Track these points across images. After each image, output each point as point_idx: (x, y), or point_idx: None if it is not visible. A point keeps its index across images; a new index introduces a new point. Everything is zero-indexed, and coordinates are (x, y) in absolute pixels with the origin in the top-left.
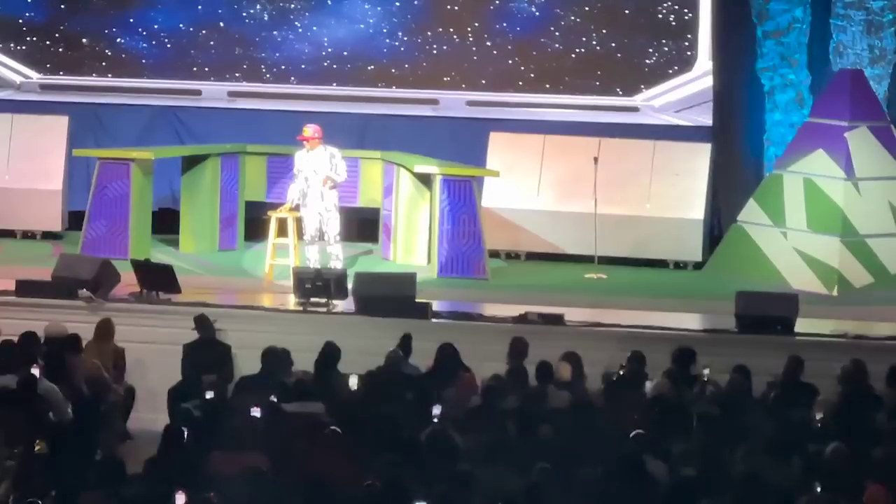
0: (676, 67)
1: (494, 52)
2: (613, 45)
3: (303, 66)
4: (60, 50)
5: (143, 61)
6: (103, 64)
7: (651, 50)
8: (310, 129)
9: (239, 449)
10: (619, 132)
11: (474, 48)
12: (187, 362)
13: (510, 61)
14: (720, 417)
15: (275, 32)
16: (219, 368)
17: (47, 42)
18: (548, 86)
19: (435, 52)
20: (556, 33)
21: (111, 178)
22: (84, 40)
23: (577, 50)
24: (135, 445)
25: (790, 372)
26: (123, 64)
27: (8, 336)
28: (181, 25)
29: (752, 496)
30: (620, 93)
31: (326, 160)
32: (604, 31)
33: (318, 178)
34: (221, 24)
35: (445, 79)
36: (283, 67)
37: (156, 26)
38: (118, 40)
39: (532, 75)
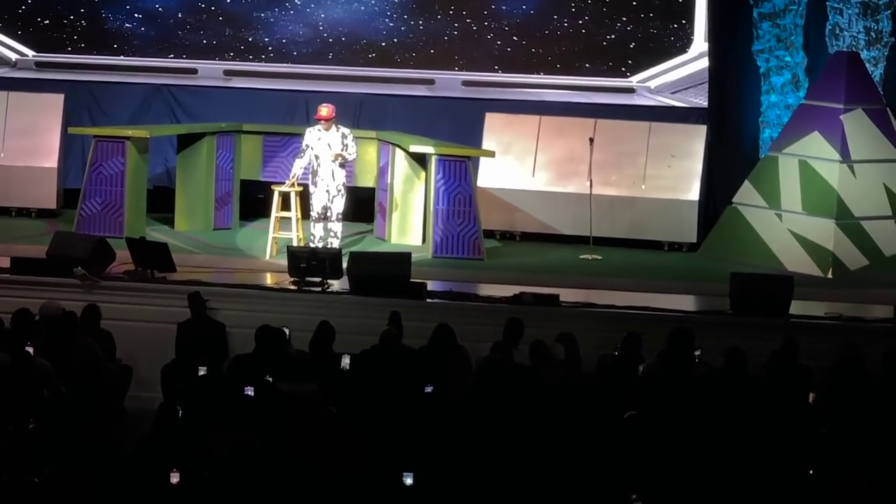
0: (673, 49)
1: (492, 33)
2: (610, 26)
3: (299, 46)
4: (56, 28)
5: (135, 42)
6: (97, 42)
7: (647, 31)
8: (326, 109)
9: (233, 428)
10: (615, 113)
11: (472, 29)
12: (181, 341)
13: (507, 42)
14: (713, 399)
15: (270, 12)
16: (212, 347)
17: (42, 20)
18: (544, 66)
19: (432, 32)
20: (554, 14)
21: (106, 156)
22: (77, 19)
23: (574, 31)
24: (130, 424)
25: (784, 354)
26: (115, 43)
27: (2, 313)
28: (174, 5)
29: (745, 478)
30: (616, 74)
31: (339, 139)
32: (601, 12)
33: (329, 156)
34: (215, 4)
35: (438, 57)
36: (278, 47)
37: (148, 5)
38: (111, 19)
39: (528, 56)
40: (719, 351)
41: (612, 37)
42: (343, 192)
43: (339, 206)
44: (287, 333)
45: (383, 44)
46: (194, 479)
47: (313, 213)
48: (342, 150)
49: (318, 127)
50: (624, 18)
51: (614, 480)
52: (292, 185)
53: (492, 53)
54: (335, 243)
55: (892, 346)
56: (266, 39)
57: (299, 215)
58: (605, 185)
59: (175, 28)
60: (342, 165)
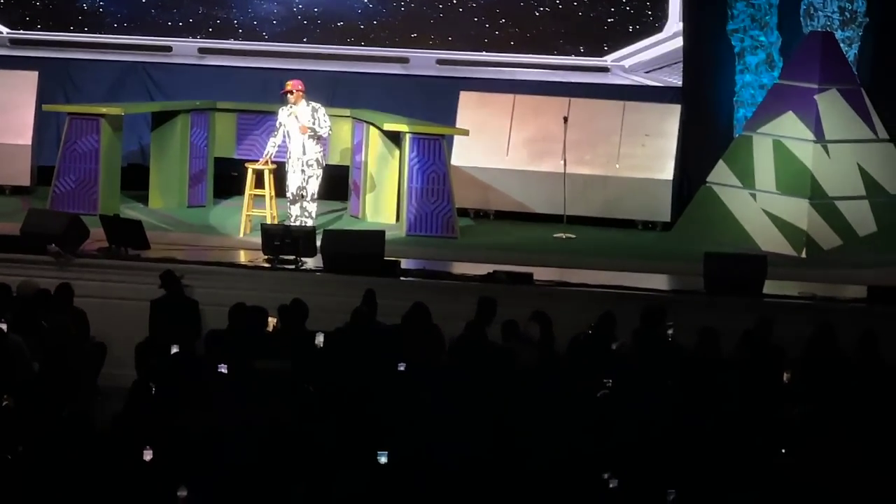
0: (647, 28)
1: (466, 11)
2: (585, 5)
3: (273, 24)
4: (26, 6)
5: (107, 20)
6: (69, 20)
7: (622, 10)
8: (290, 83)
9: (206, 405)
10: (589, 92)
11: (447, 8)
12: (155, 319)
13: (483, 21)
14: (686, 378)
15: None
16: (186, 325)
17: None
18: (518, 45)
19: (407, 11)
20: None
21: (81, 134)
22: None
23: (548, 9)
24: (104, 401)
25: (758, 333)
26: (87, 20)
27: None
28: None
29: (718, 457)
30: (591, 53)
31: (308, 114)
32: None
33: (297, 128)
34: None
35: (413, 36)
36: (253, 26)
37: None
38: None
39: (503, 35)
40: (693, 330)
41: (587, 16)
42: (317, 169)
43: (313, 186)
44: (274, 323)
45: (358, 22)
46: (167, 456)
47: (288, 194)
48: (312, 123)
49: (289, 104)
50: None
51: (587, 458)
52: (266, 163)
53: (467, 32)
54: (309, 223)
55: (866, 326)
56: (241, 17)
57: (273, 193)
58: (579, 164)
59: (147, 6)
60: (316, 140)
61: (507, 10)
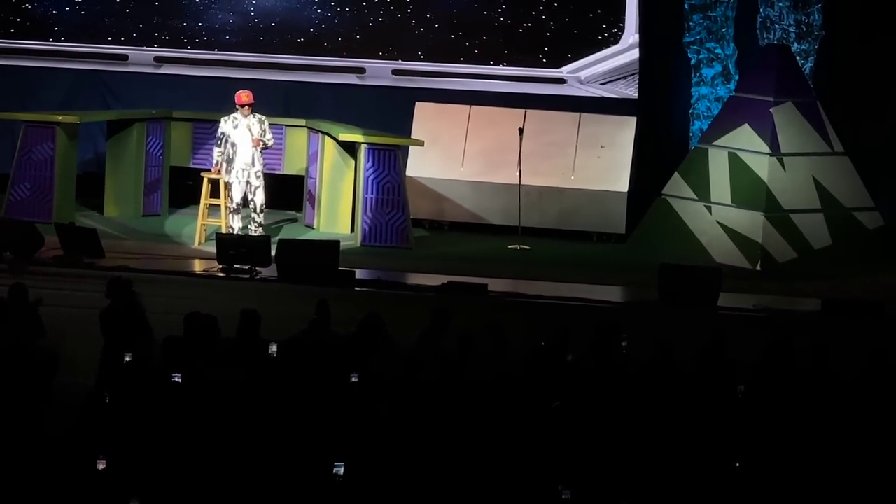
0: (604, 40)
1: (423, 22)
2: (541, 16)
3: (229, 34)
4: None
5: (61, 27)
6: (24, 27)
7: (578, 22)
8: (247, 95)
9: (160, 414)
10: (545, 103)
11: (404, 19)
12: (105, 328)
13: (439, 32)
14: (641, 390)
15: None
16: (136, 333)
17: None
18: (474, 56)
19: (364, 21)
20: (486, 4)
21: (36, 142)
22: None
23: (506, 20)
24: (56, 410)
25: (712, 346)
26: (42, 28)
27: None
28: None
29: (672, 469)
30: (547, 64)
31: (258, 127)
32: (533, 1)
33: (248, 142)
34: None
35: (370, 47)
36: (209, 35)
37: None
38: (35, 5)
39: (460, 45)
40: (647, 342)
41: (544, 27)
42: (261, 180)
43: (261, 197)
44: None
45: (314, 32)
46: (120, 465)
47: (232, 205)
48: (261, 135)
49: (233, 115)
50: (554, 9)
51: (540, 470)
52: (218, 172)
53: (424, 43)
54: (261, 232)
55: (819, 339)
56: (196, 27)
57: (227, 202)
58: (534, 175)
59: (101, 14)
60: (265, 149)
61: (463, 21)
